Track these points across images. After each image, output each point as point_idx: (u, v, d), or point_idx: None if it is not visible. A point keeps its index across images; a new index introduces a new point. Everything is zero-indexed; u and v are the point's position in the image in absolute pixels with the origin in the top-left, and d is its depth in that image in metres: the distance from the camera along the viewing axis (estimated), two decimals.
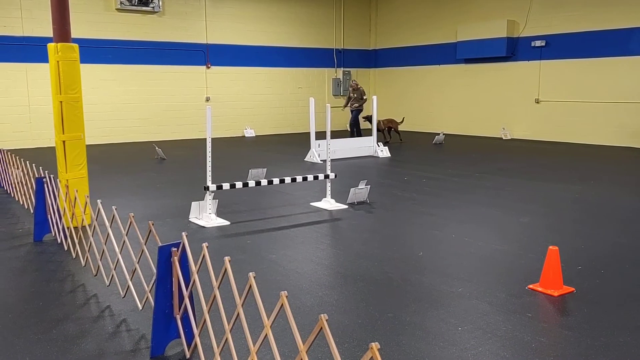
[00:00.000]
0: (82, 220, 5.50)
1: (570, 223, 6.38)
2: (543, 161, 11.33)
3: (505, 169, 10.33)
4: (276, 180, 7.08)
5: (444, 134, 15.46)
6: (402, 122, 15.45)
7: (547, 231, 6.01)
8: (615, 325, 3.67)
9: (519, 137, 15.75)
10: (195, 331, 3.14)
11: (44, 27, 13.89)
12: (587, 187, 8.46)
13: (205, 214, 6.49)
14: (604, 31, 13.74)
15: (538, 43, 15.03)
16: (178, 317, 3.26)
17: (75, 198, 5.01)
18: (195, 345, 3.15)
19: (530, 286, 4.34)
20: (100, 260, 4.37)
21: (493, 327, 3.64)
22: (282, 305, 2.27)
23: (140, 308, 3.72)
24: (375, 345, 1.76)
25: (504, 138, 15.87)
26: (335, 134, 13.30)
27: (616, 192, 8.08)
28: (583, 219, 6.58)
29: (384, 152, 12.46)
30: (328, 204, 7.30)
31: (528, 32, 15.32)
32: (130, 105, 15.61)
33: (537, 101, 15.30)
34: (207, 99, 16.72)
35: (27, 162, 6.85)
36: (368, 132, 13.33)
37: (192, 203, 6.65)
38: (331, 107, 8.53)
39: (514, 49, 15.66)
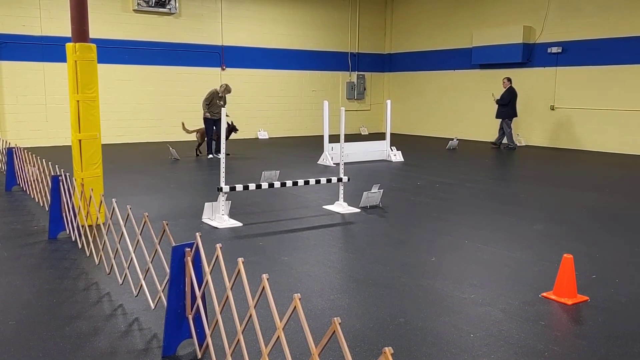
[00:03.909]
0: (97, 218, 5.54)
1: (584, 231, 6.32)
2: (558, 168, 11.24)
3: (520, 175, 10.26)
4: (289, 183, 7.09)
5: (457, 139, 15.39)
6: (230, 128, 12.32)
7: (561, 239, 5.95)
8: (630, 335, 3.62)
9: (533, 144, 15.64)
10: (207, 331, 3.15)
11: (62, 27, 14.05)
12: (602, 195, 8.37)
13: (218, 215, 6.51)
14: (621, 38, 13.62)
15: (554, 49, 14.92)
16: (190, 317, 3.27)
17: (90, 196, 5.05)
18: (207, 345, 3.16)
19: (544, 294, 4.31)
20: (114, 259, 4.40)
21: (506, 335, 3.61)
22: (295, 307, 2.27)
23: (153, 307, 3.74)
24: (388, 350, 1.76)
25: (518, 145, 15.77)
26: (349, 138, 13.30)
27: (632, 201, 7.99)
28: (598, 227, 6.52)
29: (397, 156, 12.43)
30: (341, 207, 7.30)
31: (544, 38, 15.22)
32: (146, 105, 15.73)
33: (553, 108, 15.19)
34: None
35: (43, 160, 6.92)
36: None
37: (205, 204, 6.68)
38: (345, 111, 8.51)
39: (530, 55, 15.56)
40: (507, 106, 14.56)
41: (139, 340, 3.49)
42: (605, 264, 5.09)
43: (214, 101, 12.27)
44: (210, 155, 12.43)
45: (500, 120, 14.82)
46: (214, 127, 12.34)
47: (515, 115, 14.76)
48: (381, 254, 5.37)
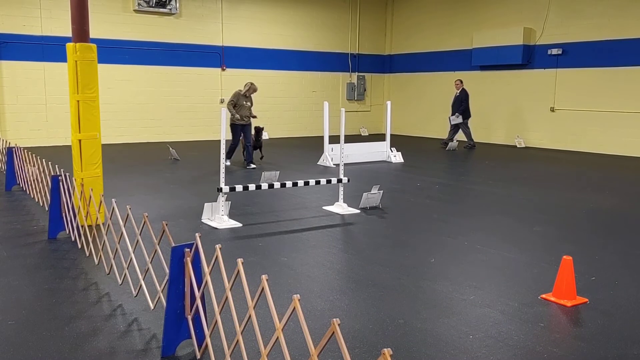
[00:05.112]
0: (97, 218, 5.54)
1: (584, 233, 6.32)
2: (557, 170, 11.24)
3: (519, 177, 10.26)
4: (289, 183, 7.09)
5: (457, 141, 15.40)
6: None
7: (560, 241, 5.96)
8: (629, 337, 3.62)
9: (533, 146, 15.65)
10: (207, 332, 3.15)
11: (62, 27, 14.06)
12: (601, 197, 8.37)
13: (218, 216, 6.51)
14: (621, 40, 13.63)
15: (555, 51, 14.93)
16: (189, 317, 3.27)
17: (90, 196, 5.05)
18: (206, 346, 3.16)
19: (543, 296, 4.31)
20: (114, 259, 4.40)
21: (505, 336, 3.61)
22: (294, 308, 2.27)
23: (152, 308, 3.74)
24: (387, 351, 1.76)
25: (518, 146, 15.77)
26: (349, 138, 13.29)
27: (632, 203, 7.99)
28: (597, 229, 6.52)
29: (397, 157, 12.44)
30: (340, 208, 7.30)
31: (545, 40, 15.23)
32: (146, 105, 15.73)
33: (553, 109, 15.19)
34: (222, 101, 16.80)
35: (43, 160, 6.92)
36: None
37: (205, 204, 6.68)
38: (345, 111, 8.49)
39: (530, 57, 15.57)
40: (462, 105, 14.94)
41: (138, 341, 3.49)
42: (604, 266, 5.09)
43: (240, 102, 10.98)
44: (228, 162, 11.12)
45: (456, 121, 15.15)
46: (242, 134, 11.07)
47: (470, 116, 15.15)
48: (380, 255, 5.37)
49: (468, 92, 15.08)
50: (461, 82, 15.19)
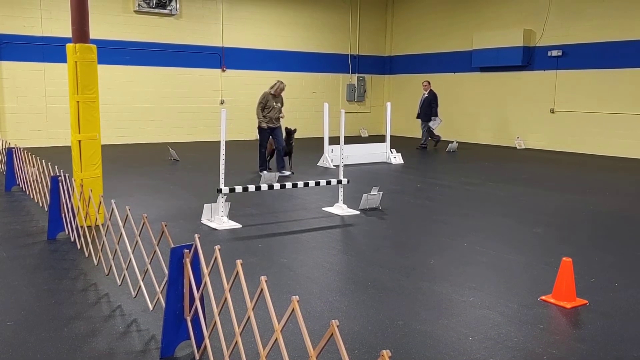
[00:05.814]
0: (96, 219, 5.54)
1: (584, 235, 6.31)
2: (557, 171, 11.24)
3: (519, 178, 10.26)
4: (289, 185, 7.09)
5: (457, 142, 15.40)
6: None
7: (560, 242, 5.95)
8: (628, 339, 3.62)
9: (533, 147, 15.64)
10: (205, 333, 3.14)
11: (63, 28, 14.06)
12: (601, 199, 8.37)
13: (218, 217, 6.51)
14: (621, 42, 13.63)
15: (555, 53, 14.93)
16: (188, 318, 3.27)
17: (90, 197, 5.05)
18: (205, 347, 3.15)
19: (543, 297, 4.30)
20: (113, 259, 4.40)
21: (504, 338, 3.61)
22: (293, 309, 2.26)
23: (151, 309, 3.74)
24: (386, 353, 1.75)
25: (518, 147, 15.77)
26: (349, 140, 13.29)
27: (631, 205, 7.99)
28: (597, 230, 6.52)
29: (397, 158, 12.43)
30: (340, 209, 7.29)
31: (545, 42, 15.23)
32: (146, 106, 15.73)
33: (553, 111, 15.19)
34: (222, 102, 16.81)
35: (43, 160, 6.91)
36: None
37: (205, 205, 6.68)
38: (345, 113, 8.45)
39: (530, 58, 15.57)
40: (432, 108, 15.05)
41: (137, 342, 3.49)
42: (604, 268, 5.09)
43: (270, 104, 10.18)
44: (265, 171, 9.77)
45: (423, 122, 15.26)
46: (270, 137, 10.36)
47: (431, 119, 15.23)
48: (380, 256, 5.37)
49: (436, 93, 15.23)
50: (429, 83, 15.34)
